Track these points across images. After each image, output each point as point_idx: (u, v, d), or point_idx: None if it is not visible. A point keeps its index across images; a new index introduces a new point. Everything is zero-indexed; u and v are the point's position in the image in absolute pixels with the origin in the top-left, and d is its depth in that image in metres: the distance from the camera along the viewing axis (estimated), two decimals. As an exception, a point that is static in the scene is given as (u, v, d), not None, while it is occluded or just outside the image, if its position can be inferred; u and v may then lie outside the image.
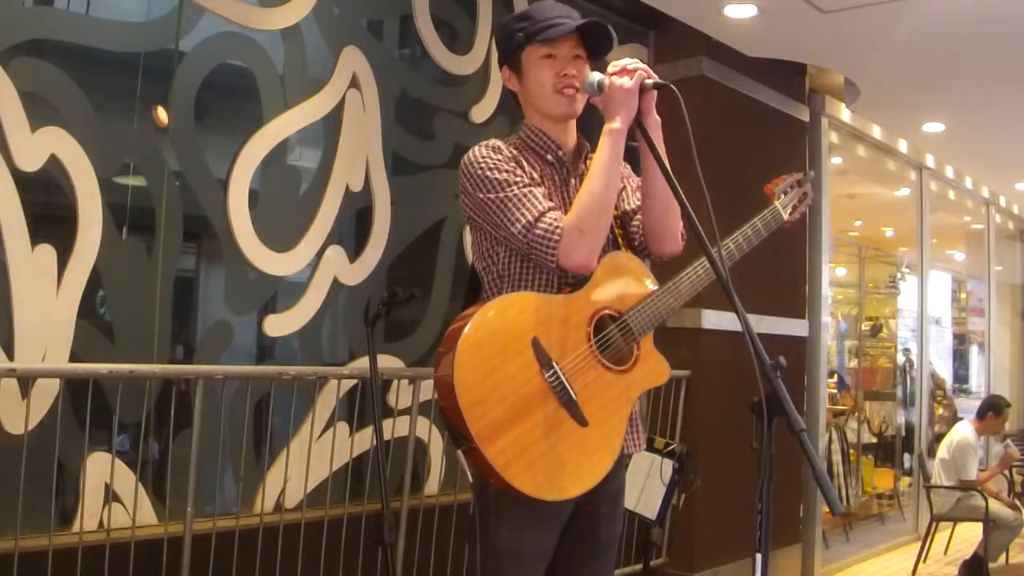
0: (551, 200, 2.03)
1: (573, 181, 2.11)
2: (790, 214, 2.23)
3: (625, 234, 2.15)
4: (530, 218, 1.95)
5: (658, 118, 2.01)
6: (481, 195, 2.01)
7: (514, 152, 2.07)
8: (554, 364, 1.89)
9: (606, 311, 1.99)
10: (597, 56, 2.10)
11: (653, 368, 2.03)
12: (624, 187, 2.17)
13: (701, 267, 2.02)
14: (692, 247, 1.93)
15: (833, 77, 5.78)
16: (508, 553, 1.98)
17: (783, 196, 2.23)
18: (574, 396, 1.90)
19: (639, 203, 2.14)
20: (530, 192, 1.98)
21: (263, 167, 3.42)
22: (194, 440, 2.94)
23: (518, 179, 2.00)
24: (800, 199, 2.26)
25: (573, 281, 2.01)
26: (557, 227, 1.94)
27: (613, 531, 2.14)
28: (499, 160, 2.02)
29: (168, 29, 3.20)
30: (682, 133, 1.81)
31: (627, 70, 1.96)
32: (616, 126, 1.96)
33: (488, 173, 2.00)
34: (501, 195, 1.98)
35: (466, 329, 1.87)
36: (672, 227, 2.09)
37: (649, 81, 1.96)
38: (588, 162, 2.15)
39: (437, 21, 4.02)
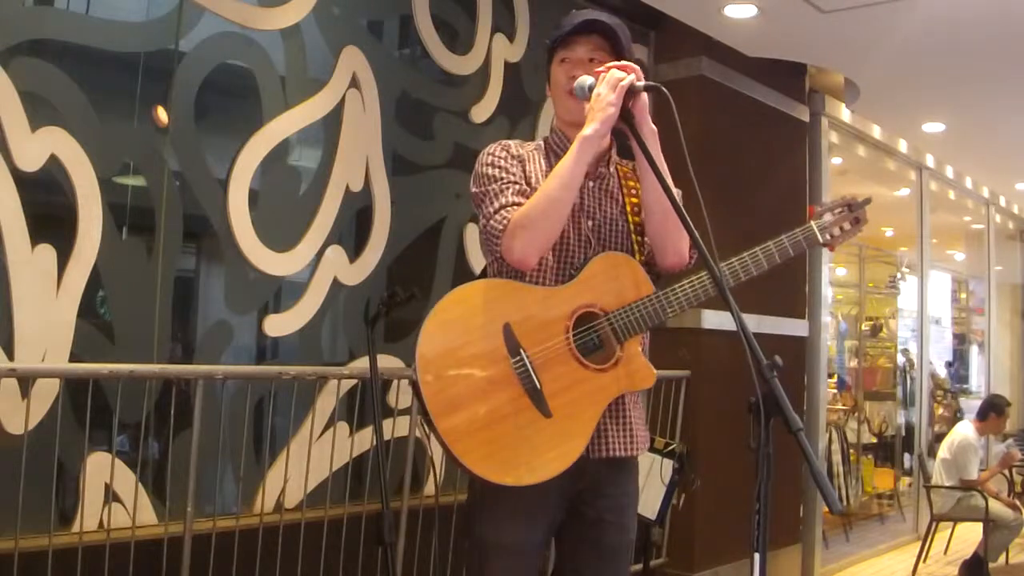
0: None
1: (590, 183, 2.11)
2: (833, 236, 2.11)
3: (641, 246, 2.13)
4: (491, 210, 2.00)
5: (654, 127, 1.98)
6: (473, 188, 2.09)
7: (522, 152, 2.11)
8: (521, 351, 1.90)
9: (591, 308, 1.97)
10: (622, 56, 2.09)
11: (636, 371, 1.99)
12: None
13: (706, 277, 1.95)
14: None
15: (833, 77, 5.78)
16: (486, 544, 2.01)
17: (824, 216, 2.11)
18: (539, 386, 1.89)
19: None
20: (506, 188, 2.02)
21: (263, 167, 3.42)
22: (194, 440, 2.94)
23: (504, 176, 2.04)
24: (852, 224, 2.13)
25: (567, 277, 2.01)
26: (504, 221, 1.97)
27: (620, 538, 2.11)
28: (497, 158, 2.08)
29: (168, 29, 3.20)
30: (676, 135, 1.81)
31: (611, 79, 1.94)
32: (585, 133, 1.95)
33: (482, 169, 2.08)
34: (483, 189, 2.05)
35: (436, 307, 1.90)
36: (672, 239, 2.04)
37: (640, 83, 1.94)
38: (613, 166, 2.16)
39: (437, 21, 4.02)
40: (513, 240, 1.94)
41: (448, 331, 1.90)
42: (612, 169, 2.16)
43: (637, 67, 1.98)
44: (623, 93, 1.92)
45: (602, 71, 1.97)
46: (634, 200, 2.13)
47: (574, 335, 1.94)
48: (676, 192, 1.91)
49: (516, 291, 1.97)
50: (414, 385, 1.89)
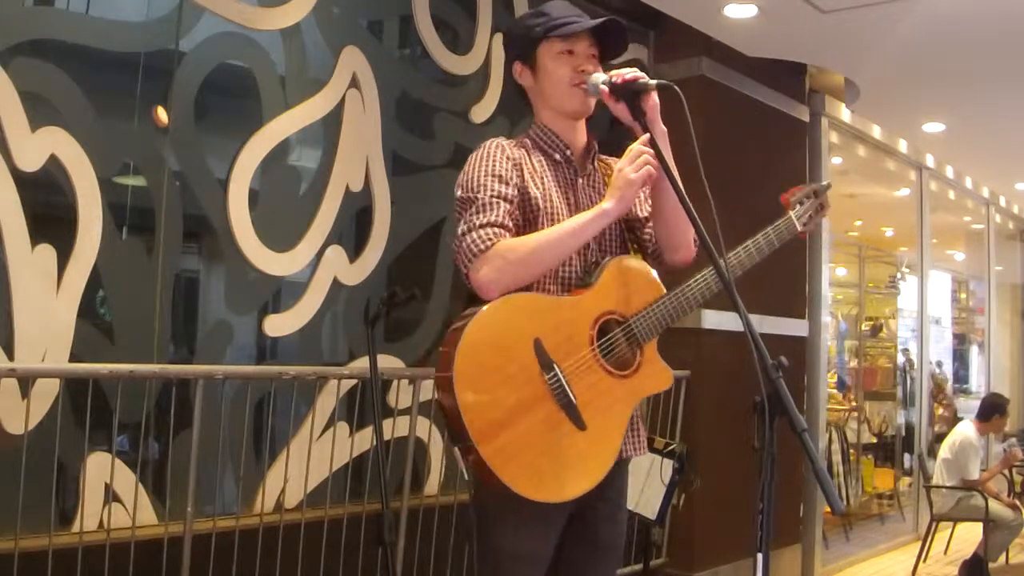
0: (554, 204, 2.04)
1: (580, 180, 2.11)
2: (804, 224, 2.19)
3: (637, 240, 2.13)
4: (476, 222, 1.95)
5: (664, 128, 1.99)
6: (458, 192, 2.03)
7: (516, 154, 2.06)
8: (555, 366, 1.88)
9: (611, 315, 1.98)
10: (609, 58, 2.10)
11: (655, 374, 2.02)
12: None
13: (710, 274, 1.98)
14: (700, 255, 1.90)
15: (833, 77, 5.78)
16: (504, 553, 1.98)
17: (798, 206, 2.19)
18: (573, 399, 1.88)
19: (644, 213, 2.14)
20: (497, 204, 1.96)
21: (263, 167, 3.42)
22: (194, 440, 2.94)
23: (498, 189, 1.98)
24: (817, 210, 2.22)
25: (579, 284, 2.01)
26: (488, 241, 1.92)
27: (615, 534, 2.12)
28: (496, 162, 2.02)
29: (168, 29, 3.20)
30: (683, 133, 1.81)
31: (640, 162, 1.96)
32: (606, 207, 1.96)
33: (476, 173, 2.01)
34: (471, 196, 1.99)
35: (468, 327, 1.85)
36: (684, 235, 2.08)
37: (652, 82, 1.94)
38: (596, 161, 2.16)
39: (437, 21, 4.02)
40: (485, 264, 1.90)
41: (481, 354, 1.85)
42: (596, 165, 2.16)
43: (637, 69, 1.98)
44: (645, 181, 1.96)
45: (636, 151, 1.96)
46: None
47: (599, 344, 1.94)
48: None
49: (540, 304, 1.95)
50: (448, 412, 1.84)
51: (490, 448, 1.81)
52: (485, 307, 1.90)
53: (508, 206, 1.98)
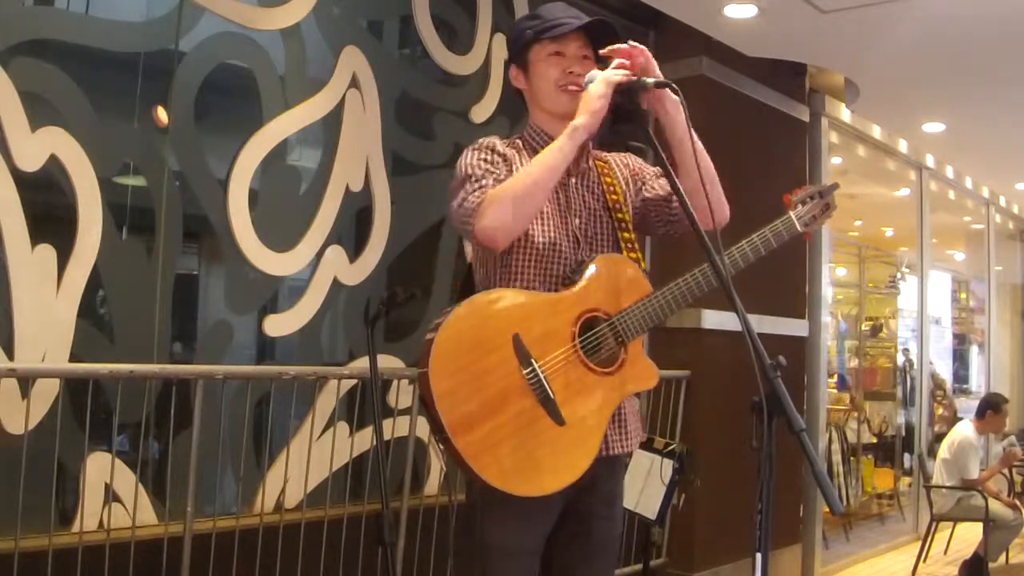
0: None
1: (573, 180, 2.12)
2: (807, 225, 2.17)
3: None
4: (469, 189, 1.97)
5: (675, 98, 1.97)
6: (452, 183, 2.04)
7: (506, 152, 2.08)
8: (533, 362, 1.89)
9: (595, 312, 1.98)
10: (604, 59, 2.11)
11: (640, 372, 2.02)
12: (641, 178, 2.17)
13: (700, 273, 1.99)
14: (695, 253, 1.89)
15: (833, 77, 5.78)
16: (492, 548, 2.00)
17: (800, 206, 2.18)
18: (552, 395, 1.89)
19: (666, 190, 2.13)
20: (488, 175, 1.98)
21: (263, 167, 3.42)
22: (194, 440, 2.94)
23: (489, 169, 2.00)
24: (822, 210, 2.20)
25: (567, 281, 2.01)
26: (481, 194, 1.94)
27: (610, 532, 2.13)
28: (485, 152, 2.04)
29: (168, 29, 3.20)
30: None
31: (607, 77, 1.95)
32: (577, 122, 1.95)
33: (467, 165, 2.03)
34: (466, 175, 2.01)
35: (446, 321, 1.87)
36: (716, 194, 2.04)
37: (651, 80, 1.94)
38: (589, 159, 2.16)
39: (437, 21, 4.03)
40: (485, 211, 1.91)
41: (459, 346, 1.87)
42: (591, 163, 2.17)
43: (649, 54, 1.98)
44: (611, 90, 1.94)
45: (616, 52, 1.96)
46: (614, 197, 2.14)
47: (580, 341, 1.94)
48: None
49: (521, 299, 1.96)
50: (426, 402, 1.86)
51: (464, 440, 1.83)
52: (466, 301, 1.92)
53: (498, 176, 1.99)
